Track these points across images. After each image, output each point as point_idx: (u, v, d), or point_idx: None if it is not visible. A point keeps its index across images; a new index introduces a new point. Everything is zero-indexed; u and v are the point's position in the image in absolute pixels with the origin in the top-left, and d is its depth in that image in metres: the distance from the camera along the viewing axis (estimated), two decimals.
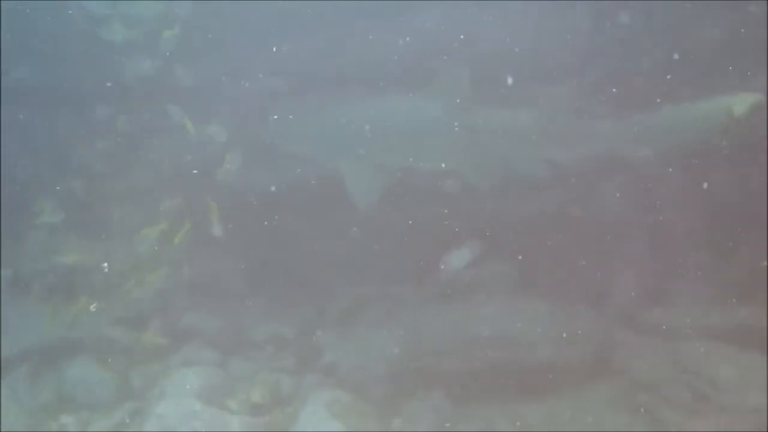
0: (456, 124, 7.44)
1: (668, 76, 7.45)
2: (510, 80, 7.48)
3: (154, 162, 8.39)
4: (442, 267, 8.26)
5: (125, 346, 7.26)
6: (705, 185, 7.56)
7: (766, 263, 6.86)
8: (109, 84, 7.90)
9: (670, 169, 7.61)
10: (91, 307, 7.11)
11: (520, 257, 8.04)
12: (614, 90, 7.51)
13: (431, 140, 7.55)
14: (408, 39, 7.83)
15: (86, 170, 8.39)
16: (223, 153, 7.62)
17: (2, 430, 6.40)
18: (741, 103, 6.91)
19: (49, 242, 8.22)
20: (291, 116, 7.41)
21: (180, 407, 6.22)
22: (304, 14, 7.95)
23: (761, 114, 6.97)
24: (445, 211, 8.13)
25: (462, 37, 7.74)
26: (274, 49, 7.94)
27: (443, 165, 7.65)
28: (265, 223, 7.82)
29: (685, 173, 7.66)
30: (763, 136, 7.16)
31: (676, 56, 7.42)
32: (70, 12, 7.86)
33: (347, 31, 8.08)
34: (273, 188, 7.97)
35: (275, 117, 7.58)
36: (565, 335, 7.19)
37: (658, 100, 7.33)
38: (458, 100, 7.40)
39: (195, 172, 8.08)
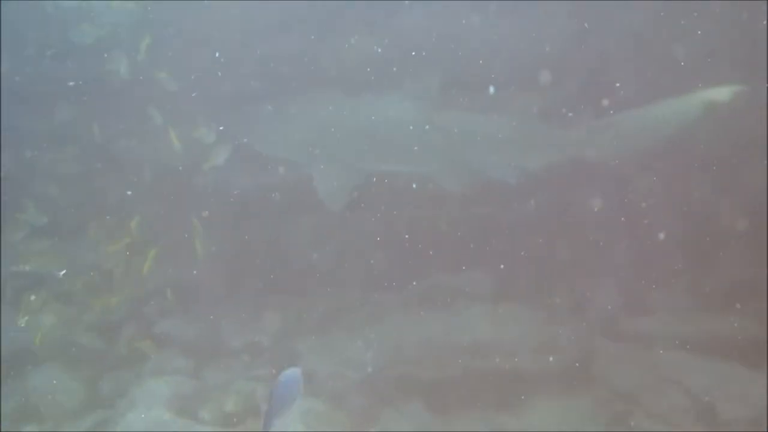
0: (427, 127, 7.42)
1: (641, 77, 7.45)
2: (481, 85, 7.49)
3: (131, 165, 8.24)
4: (422, 273, 8.20)
5: (95, 354, 7.08)
6: (684, 189, 7.55)
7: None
8: (72, 84, 7.76)
9: (647, 174, 7.58)
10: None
11: (500, 264, 7.97)
12: (584, 95, 7.51)
13: (403, 143, 7.52)
14: (383, 41, 7.79)
15: (60, 175, 8.23)
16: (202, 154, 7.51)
17: None
18: (719, 95, 6.84)
19: (22, 246, 8.04)
20: (266, 118, 7.28)
21: (149, 417, 6.07)
22: (279, 16, 7.85)
23: (743, 107, 6.95)
24: (422, 215, 8.08)
25: (435, 41, 7.73)
26: (249, 51, 7.82)
27: (415, 168, 7.64)
28: (241, 227, 7.68)
29: (663, 177, 7.63)
30: (747, 134, 7.12)
31: (647, 57, 7.42)
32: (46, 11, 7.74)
33: (323, 34, 8.00)
34: (249, 191, 7.84)
35: (249, 118, 7.44)
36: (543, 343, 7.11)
37: (630, 101, 7.33)
38: (430, 104, 7.40)
39: (173, 174, 7.96)
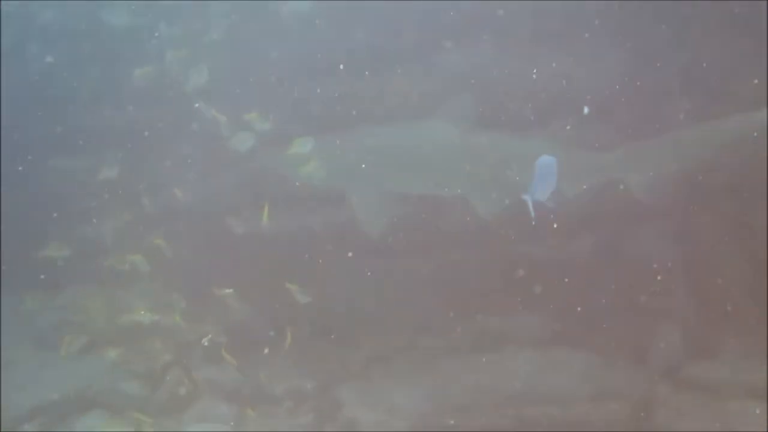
0: (462, 150, 7.39)
1: (674, 99, 7.22)
2: (517, 111, 7.46)
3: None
4: (471, 316, 7.94)
5: (139, 401, 7.01)
6: (743, 220, 7.15)
7: None
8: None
9: (700, 204, 7.23)
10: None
11: (550, 305, 7.65)
12: (618, 120, 7.33)
13: (439, 167, 7.47)
14: (421, 77, 7.72)
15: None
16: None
17: None
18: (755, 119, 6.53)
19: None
20: (304, 146, 7.26)
21: None
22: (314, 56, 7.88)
23: None
24: (467, 252, 7.87)
25: (471, 72, 7.72)
26: (288, 92, 7.85)
27: (454, 191, 7.56)
28: (282, 269, 7.57)
29: (718, 208, 7.26)
30: None
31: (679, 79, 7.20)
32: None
33: (364, 74, 7.99)
34: (288, 228, 7.79)
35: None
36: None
37: (663, 125, 7.08)
38: (467, 128, 7.38)
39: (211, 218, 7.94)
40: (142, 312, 7.38)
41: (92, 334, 7.39)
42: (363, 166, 7.45)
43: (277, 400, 7.21)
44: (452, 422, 6.71)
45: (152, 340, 7.46)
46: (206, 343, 7.39)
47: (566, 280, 7.64)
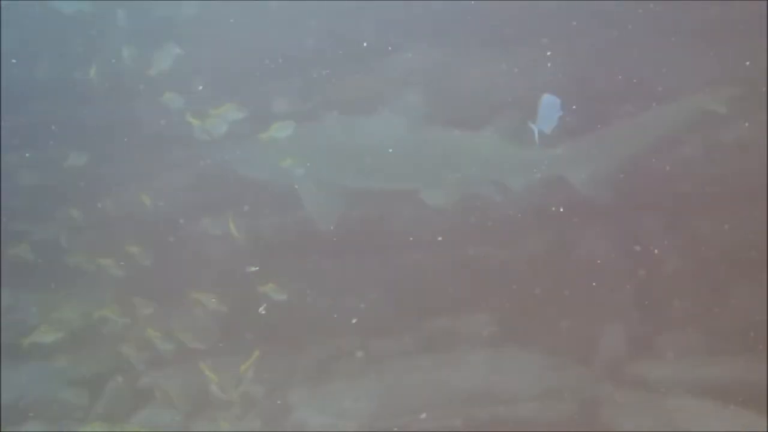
0: (412, 145, 7.43)
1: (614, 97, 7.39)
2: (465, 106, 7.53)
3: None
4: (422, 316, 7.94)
5: (80, 409, 6.79)
6: (682, 216, 7.32)
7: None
8: None
9: (646, 204, 7.38)
10: None
11: (499, 306, 7.70)
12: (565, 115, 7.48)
13: (390, 162, 7.47)
14: (374, 74, 7.74)
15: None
16: None
17: None
18: (714, 101, 6.70)
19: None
20: (248, 140, 7.12)
21: None
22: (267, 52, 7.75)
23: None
24: (419, 249, 7.88)
25: (423, 71, 7.77)
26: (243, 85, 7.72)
27: (406, 186, 7.56)
28: (228, 268, 7.44)
29: (664, 207, 7.41)
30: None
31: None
32: None
33: (310, 58, 7.91)
34: (235, 227, 7.66)
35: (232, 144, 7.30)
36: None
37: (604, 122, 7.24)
38: (415, 122, 7.43)
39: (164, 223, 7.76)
40: (87, 315, 7.17)
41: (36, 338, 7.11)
42: (308, 164, 7.38)
43: (224, 405, 7.08)
44: (401, 424, 6.69)
45: (97, 345, 7.25)
46: (263, 311, 7.14)
47: (514, 278, 7.73)
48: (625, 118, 7.31)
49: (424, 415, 6.71)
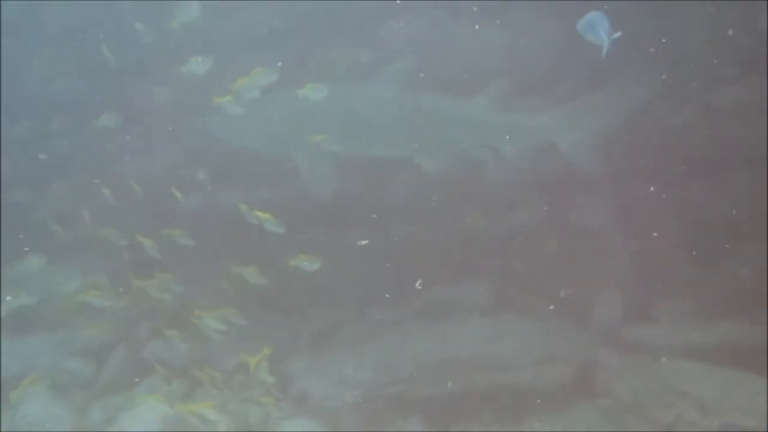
0: (405, 111, 7.45)
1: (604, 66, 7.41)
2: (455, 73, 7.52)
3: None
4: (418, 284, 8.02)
5: (84, 379, 6.88)
6: (682, 189, 7.38)
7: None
8: None
9: (641, 173, 7.43)
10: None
11: (495, 274, 7.78)
12: (552, 81, 7.50)
13: (383, 129, 7.52)
14: (367, 44, 7.70)
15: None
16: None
17: None
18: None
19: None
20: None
21: None
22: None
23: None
24: (415, 218, 7.93)
25: (414, 40, 7.80)
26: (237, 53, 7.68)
27: (396, 152, 7.59)
28: (227, 240, 7.48)
29: (658, 176, 7.47)
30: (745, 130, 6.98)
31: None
32: None
33: (297, 25, 7.85)
34: (231, 197, 7.68)
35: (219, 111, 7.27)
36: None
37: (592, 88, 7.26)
38: (407, 88, 7.47)
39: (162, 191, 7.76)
40: (88, 290, 7.20)
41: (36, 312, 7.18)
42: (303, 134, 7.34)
43: (227, 374, 7.17)
44: (401, 390, 6.79)
45: (98, 319, 7.32)
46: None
47: (510, 245, 7.81)
48: (619, 82, 7.33)
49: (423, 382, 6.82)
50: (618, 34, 4.92)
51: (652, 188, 7.51)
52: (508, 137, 7.41)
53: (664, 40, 7.22)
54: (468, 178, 7.79)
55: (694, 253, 7.16)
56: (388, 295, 7.98)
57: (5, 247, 7.73)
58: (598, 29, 5.00)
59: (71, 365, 6.98)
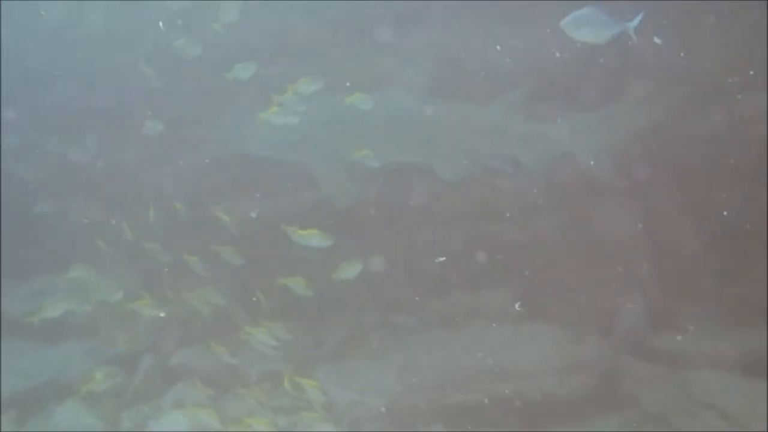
0: (421, 119, 7.46)
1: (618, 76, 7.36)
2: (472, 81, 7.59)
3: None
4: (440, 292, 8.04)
5: (115, 388, 7.01)
6: (706, 195, 7.32)
7: None
8: None
9: (662, 179, 7.39)
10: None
11: (519, 282, 7.79)
12: (572, 92, 7.48)
13: (399, 134, 7.52)
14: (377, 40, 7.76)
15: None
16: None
17: None
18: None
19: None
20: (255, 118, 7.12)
21: None
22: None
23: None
24: (436, 226, 7.94)
25: (431, 47, 7.84)
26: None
27: (414, 158, 7.62)
28: (249, 248, 7.55)
29: (681, 183, 7.42)
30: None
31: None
32: None
33: (314, 34, 7.92)
34: (253, 208, 7.74)
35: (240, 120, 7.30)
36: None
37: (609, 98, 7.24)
38: (423, 95, 7.48)
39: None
40: (115, 298, 7.33)
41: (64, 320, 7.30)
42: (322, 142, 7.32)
43: (253, 382, 7.27)
44: (427, 398, 6.83)
45: (126, 327, 7.45)
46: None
47: (531, 253, 7.81)
48: (635, 92, 7.30)
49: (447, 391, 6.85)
50: (638, 19, 4.83)
51: (674, 197, 7.48)
52: (527, 145, 7.39)
53: (683, 52, 7.17)
54: (488, 185, 7.80)
55: (718, 261, 7.12)
56: (411, 302, 8.02)
57: (37, 255, 7.90)
58: (599, 25, 4.88)
59: (105, 372, 7.10)
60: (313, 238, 6.41)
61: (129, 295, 6.98)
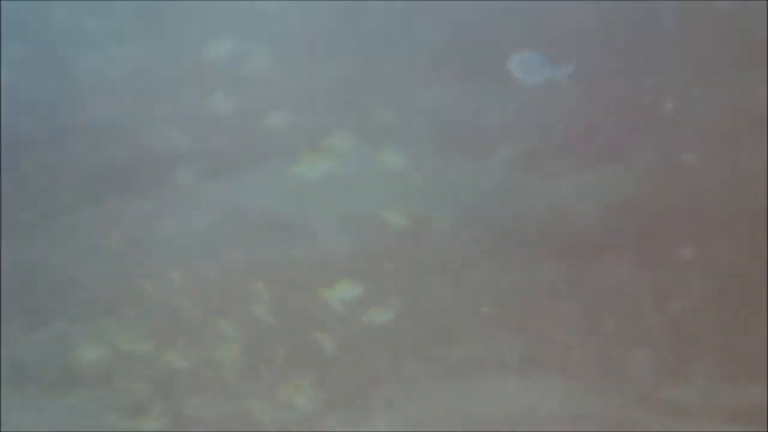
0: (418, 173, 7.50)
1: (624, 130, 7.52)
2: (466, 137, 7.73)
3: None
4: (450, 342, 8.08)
5: None
6: (701, 244, 7.43)
7: None
8: None
9: (652, 228, 7.50)
10: None
11: (527, 330, 7.85)
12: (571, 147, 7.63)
13: (396, 190, 7.62)
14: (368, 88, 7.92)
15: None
16: None
17: None
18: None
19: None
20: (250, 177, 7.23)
21: None
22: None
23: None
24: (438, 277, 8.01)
25: (423, 98, 7.93)
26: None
27: (415, 213, 7.69)
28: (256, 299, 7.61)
29: (671, 231, 7.55)
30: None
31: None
32: None
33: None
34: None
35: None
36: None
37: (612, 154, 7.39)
38: (417, 152, 7.68)
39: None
40: (128, 344, 7.35)
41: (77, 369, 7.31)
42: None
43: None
44: None
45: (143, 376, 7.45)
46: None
47: (536, 305, 7.88)
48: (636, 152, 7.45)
49: None
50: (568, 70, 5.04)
51: (677, 248, 7.62)
52: (523, 199, 7.51)
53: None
54: (487, 235, 7.89)
55: (726, 312, 7.22)
56: (418, 351, 8.06)
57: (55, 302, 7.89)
58: (538, 69, 5.12)
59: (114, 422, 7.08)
60: (347, 292, 6.46)
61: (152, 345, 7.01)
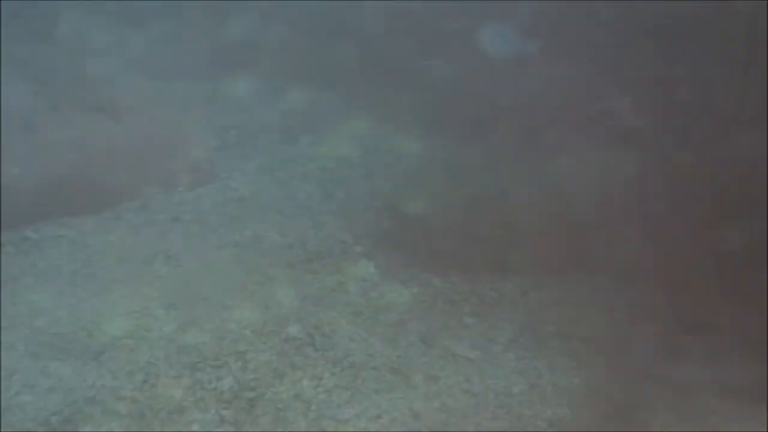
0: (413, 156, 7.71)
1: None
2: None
3: None
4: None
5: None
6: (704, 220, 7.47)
7: None
8: None
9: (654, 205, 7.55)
10: None
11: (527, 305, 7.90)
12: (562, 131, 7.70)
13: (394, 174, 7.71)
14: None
15: None
16: None
17: None
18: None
19: None
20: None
21: None
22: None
23: None
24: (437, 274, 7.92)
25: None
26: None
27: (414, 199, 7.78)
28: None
29: (675, 207, 7.62)
30: None
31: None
32: None
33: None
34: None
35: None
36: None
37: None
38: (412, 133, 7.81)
39: None
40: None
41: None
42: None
43: None
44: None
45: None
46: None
47: (537, 286, 7.91)
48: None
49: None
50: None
51: (683, 226, 7.69)
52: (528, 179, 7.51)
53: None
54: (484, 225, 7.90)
55: (731, 287, 7.29)
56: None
57: None
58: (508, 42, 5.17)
59: None
60: None
61: None
